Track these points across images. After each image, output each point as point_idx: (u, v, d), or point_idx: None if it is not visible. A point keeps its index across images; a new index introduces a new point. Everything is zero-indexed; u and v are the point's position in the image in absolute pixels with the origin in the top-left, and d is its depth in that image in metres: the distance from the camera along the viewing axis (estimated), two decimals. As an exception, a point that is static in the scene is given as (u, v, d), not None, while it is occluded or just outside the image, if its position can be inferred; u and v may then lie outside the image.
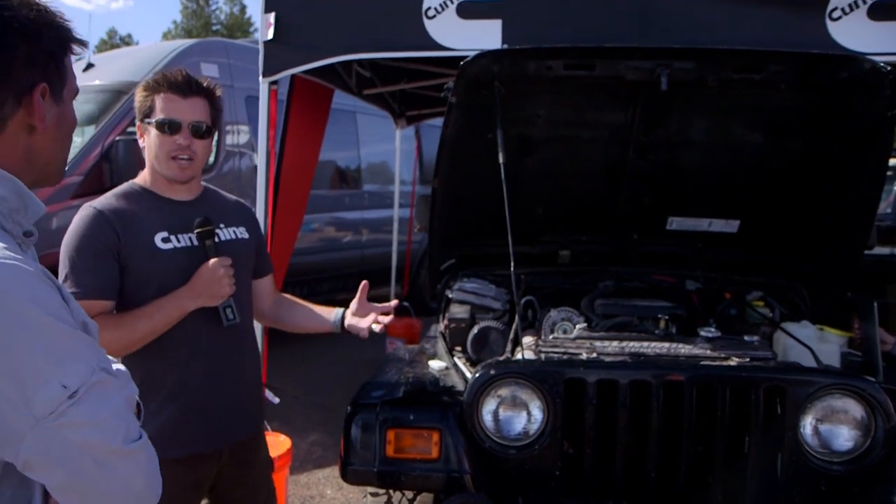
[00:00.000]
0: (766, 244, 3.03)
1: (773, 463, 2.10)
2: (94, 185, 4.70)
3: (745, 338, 2.50)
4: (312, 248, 6.44)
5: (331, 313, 2.10)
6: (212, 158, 5.64)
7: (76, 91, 1.07)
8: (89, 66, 5.85)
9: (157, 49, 6.08)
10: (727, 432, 2.11)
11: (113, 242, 1.74)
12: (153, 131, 1.81)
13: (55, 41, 1.00)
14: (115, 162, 4.85)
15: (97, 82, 5.57)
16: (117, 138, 4.93)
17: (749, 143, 2.80)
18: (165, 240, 1.81)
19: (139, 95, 1.84)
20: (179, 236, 1.83)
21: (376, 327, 1.99)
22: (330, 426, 4.31)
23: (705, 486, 2.13)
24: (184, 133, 1.80)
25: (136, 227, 1.78)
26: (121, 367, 1.07)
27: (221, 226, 1.91)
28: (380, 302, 2.07)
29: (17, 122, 0.98)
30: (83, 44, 1.04)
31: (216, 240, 1.85)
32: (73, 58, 1.05)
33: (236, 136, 5.91)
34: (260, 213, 3.28)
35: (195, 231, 1.82)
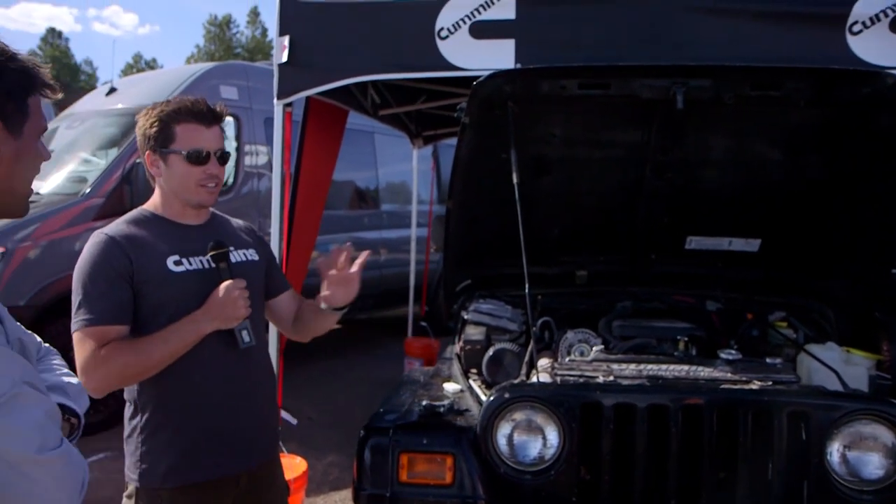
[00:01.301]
0: (788, 263, 2.96)
1: (798, 491, 2.03)
2: (116, 206, 4.77)
3: (768, 360, 2.44)
4: (331, 268, 6.44)
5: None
6: (231, 180, 5.70)
7: (43, 128, 1.14)
8: (112, 90, 5.96)
9: (178, 73, 6.18)
10: (749, 458, 2.05)
11: (125, 268, 1.74)
12: (180, 161, 1.81)
13: (15, 83, 1.07)
14: (136, 184, 4.92)
15: (119, 106, 5.67)
16: (138, 160, 5.00)
17: (768, 160, 2.75)
18: (177, 262, 1.80)
19: (150, 123, 1.83)
20: (191, 259, 1.83)
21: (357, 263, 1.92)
22: (347, 447, 4.26)
23: (728, 514, 2.06)
24: (212, 162, 1.83)
25: (149, 252, 1.78)
26: (73, 380, 1.13)
27: (232, 248, 1.91)
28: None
29: None
30: (53, 88, 1.12)
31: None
32: (42, 99, 1.12)
33: (255, 157, 5.97)
34: (275, 234, 3.29)
35: (209, 254, 1.82)
